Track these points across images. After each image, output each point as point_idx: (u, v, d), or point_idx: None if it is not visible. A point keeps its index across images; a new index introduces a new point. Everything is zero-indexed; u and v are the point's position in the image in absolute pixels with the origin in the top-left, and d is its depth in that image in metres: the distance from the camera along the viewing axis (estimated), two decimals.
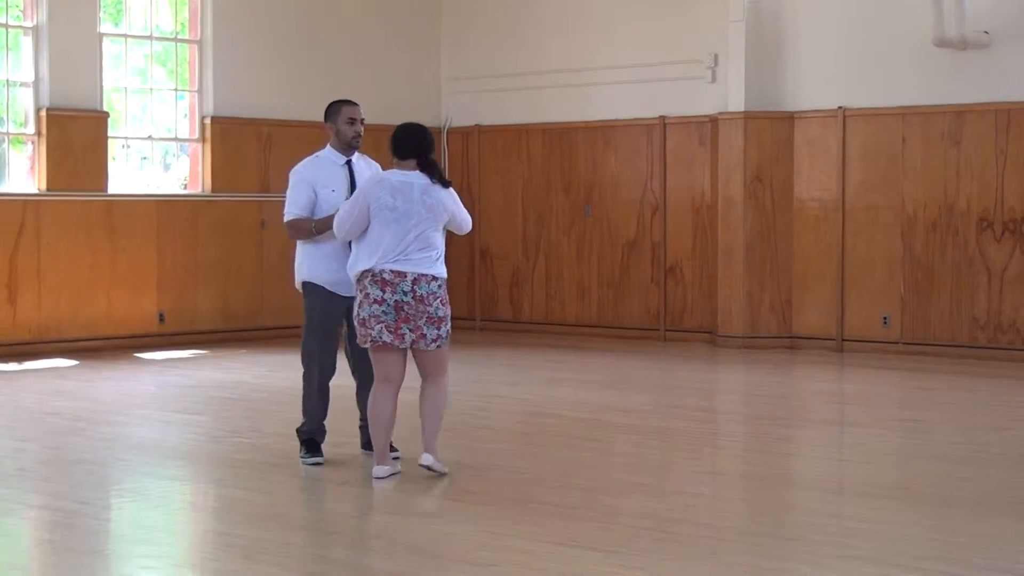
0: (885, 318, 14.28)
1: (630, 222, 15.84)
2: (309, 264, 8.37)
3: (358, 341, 7.91)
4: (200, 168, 15.32)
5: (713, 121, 15.13)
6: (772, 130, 14.76)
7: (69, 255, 14.15)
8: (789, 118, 14.78)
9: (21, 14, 14.21)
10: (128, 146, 15.04)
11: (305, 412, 8.47)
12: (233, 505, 7.56)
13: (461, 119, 17.03)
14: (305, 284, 8.39)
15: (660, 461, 9.09)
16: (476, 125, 16.79)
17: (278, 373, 12.72)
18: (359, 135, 8.43)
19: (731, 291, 14.89)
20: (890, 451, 9.32)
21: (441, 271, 7.88)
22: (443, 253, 7.94)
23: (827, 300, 14.63)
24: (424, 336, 7.80)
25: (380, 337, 7.76)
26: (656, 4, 15.64)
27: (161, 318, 14.83)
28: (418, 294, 7.77)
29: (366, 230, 7.82)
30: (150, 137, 15.16)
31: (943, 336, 13.98)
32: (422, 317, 7.78)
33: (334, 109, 8.56)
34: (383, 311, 7.74)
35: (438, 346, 7.85)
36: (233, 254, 15.39)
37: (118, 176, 14.74)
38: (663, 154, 15.58)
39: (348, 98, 8.74)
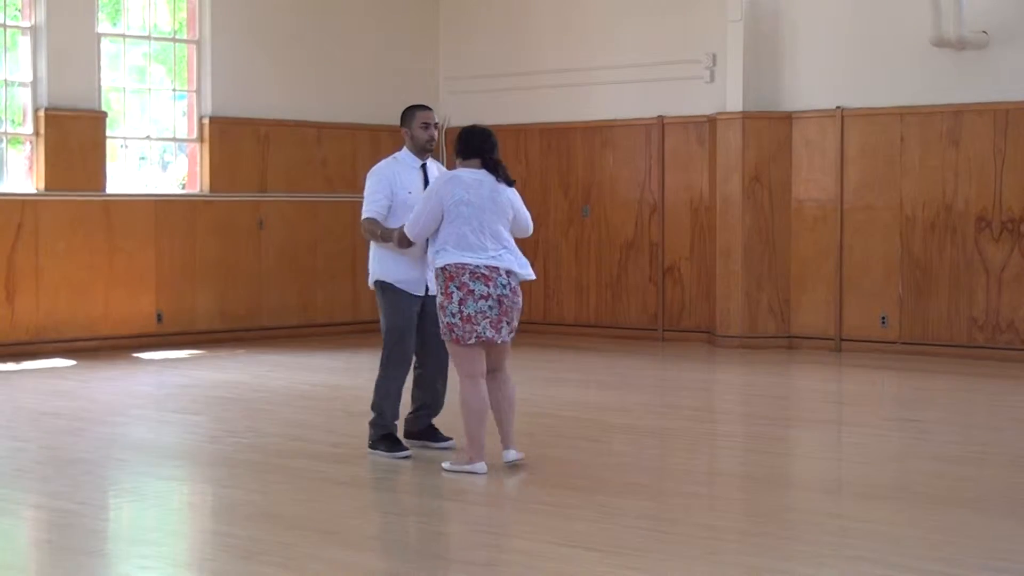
0: (883, 318, 14.28)
1: (628, 222, 15.84)
2: (382, 263, 8.58)
3: (461, 338, 7.99)
4: (198, 168, 15.31)
5: (711, 121, 15.13)
6: (770, 130, 14.76)
7: (67, 255, 14.15)
8: (787, 118, 14.78)
9: (19, 14, 14.20)
10: (126, 146, 15.03)
11: (388, 412, 8.58)
12: (231, 505, 7.56)
13: (459, 119, 16.99)
14: (378, 283, 8.62)
15: (658, 461, 9.08)
16: (475, 124, 16.76)
17: (276, 373, 12.72)
18: (433, 139, 8.66)
19: (729, 291, 14.89)
20: (888, 451, 9.32)
21: (525, 268, 8.12)
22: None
23: (825, 300, 14.63)
24: (514, 329, 8.11)
25: (484, 333, 7.96)
26: (654, 4, 15.63)
27: (159, 318, 14.82)
28: (512, 286, 8.03)
29: (439, 227, 8.01)
30: (148, 137, 15.16)
31: (941, 336, 13.98)
32: (514, 309, 8.06)
33: (409, 114, 8.77)
34: (488, 306, 7.95)
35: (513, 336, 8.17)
36: (231, 254, 15.39)
37: (116, 176, 14.73)
38: (661, 154, 15.58)
39: (423, 103, 8.95)
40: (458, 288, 7.93)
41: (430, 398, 8.78)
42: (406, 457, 8.48)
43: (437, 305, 8.06)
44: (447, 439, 8.75)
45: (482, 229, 7.96)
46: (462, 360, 8.05)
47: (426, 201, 8.04)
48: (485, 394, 8.07)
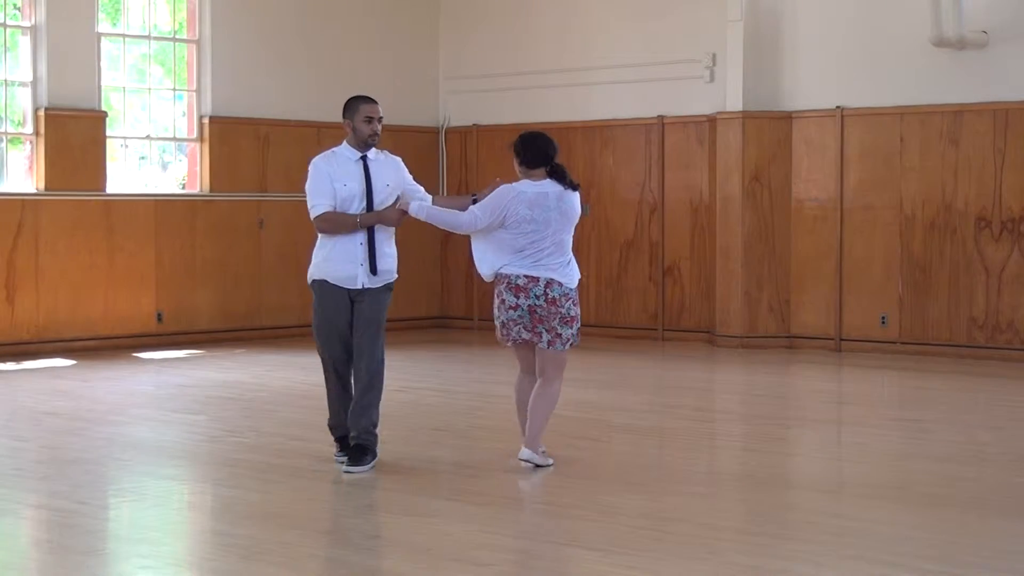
0: (883, 318, 14.28)
1: (628, 222, 15.84)
2: (320, 262, 8.34)
3: (499, 340, 8.30)
4: (198, 168, 15.31)
5: (711, 121, 15.13)
6: (770, 130, 14.76)
7: (67, 255, 14.15)
8: (787, 118, 14.78)
9: (19, 13, 14.20)
10: (126, 146, 15.03)
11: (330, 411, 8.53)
12: (231, 505, 7.56)
13: (459, 119, 17.03)
14: (314, 283, 8.39)
15: (658, 461, 9.08)
16: (474, 125, 16.78)
17: (276, 373, 12.72)
18: (376, 134, 8.40)
19: (729, 291, 14.89)
20: (888, 451, 9.31)
21: (570, 277, 8.21)
22: (572, 257, 8.30)
23: (825, 300, 14.63)
24: (559, 336, 8.18)
25: (520, 335, 8.20)
26: (654, 4, 15.63)
27: (159, 318, 14.82)
28: (550, 296, 8.14)
29: (491, 229, 8.15)
30: (148, 137, 15.16)
31: (941, 336, 13.98)
32: (555, 318, 8.15)
33: (352, 106, 8.48)
34: (518, 315, 8.16)
35: (572, 345, 8.25)
36: (231, 254, 15.39)
37: (116, 176, 14.73)
38: (661, 154, 15.58)
39: (367, 95, 8.65)
40: (497, 296, 8.24)
41: (345, 409, 8.45)
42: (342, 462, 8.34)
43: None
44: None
45: (542, 243, 8.09)
46: (516, 358, 8.45)
47: (487, 212, 8.11)
48: (524, 388, 8.39)
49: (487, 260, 8.20)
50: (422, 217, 8.30)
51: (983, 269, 13.75)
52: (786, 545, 6.63)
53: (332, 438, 8.52)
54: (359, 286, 8.27)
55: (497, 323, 8.29)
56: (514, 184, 8.20)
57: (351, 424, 8.32)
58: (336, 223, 8.25)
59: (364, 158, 8.38)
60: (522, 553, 6.41)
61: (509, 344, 8.30)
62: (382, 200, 8.32)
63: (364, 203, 8.28)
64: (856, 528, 6.87)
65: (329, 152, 8.48)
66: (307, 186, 8.35)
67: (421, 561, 6.36)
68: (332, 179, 8.30)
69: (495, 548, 6.52)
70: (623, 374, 13.00)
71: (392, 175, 8.44)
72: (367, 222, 8.24)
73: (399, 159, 8.57)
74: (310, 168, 8.42)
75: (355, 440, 8.28)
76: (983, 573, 6.12)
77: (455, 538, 6.79)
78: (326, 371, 8.52)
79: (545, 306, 8.11)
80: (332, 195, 8.26)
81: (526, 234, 8.07)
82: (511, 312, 8.15)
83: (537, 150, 8.17)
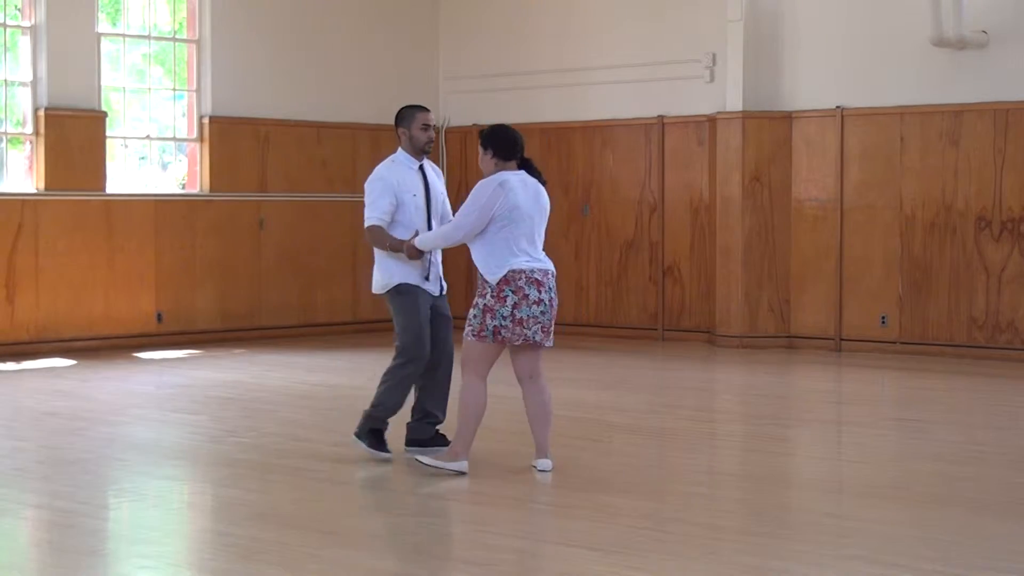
0: (883, 318, 14.28)
1: (628, 222, 15.84)
2: (396, 267, 8.44)
3: (508, 339, 7.92)
4: (198, 168, 15.31)
5: (711, 121, 15.13)
6: (770, 130, 14.76)
7: (67, 255, 14.15)
8: (787, 118, 14.78)
9: (19, 13, 14.20)
10: (126, 146, 15.03)
11: (390, 404, 8.50)
12: (231, 505, 7.56)
13: (459, 119, 17.03)
14: (401, 286, 8.46)
15: (658, 461, 9.08)
16: (474, 125, 16.78)
17: (276, 373, 12.72)
18: (431, 140, 8.52)
19: (729, 291, 14.89)
20: (888, 451, 9.32)
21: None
22: None
23: (825, 300, 14.63)
24: (551, 333, 8.06)
25: (534, 337, 7.93)
26: (654, 4, 15.63)
27: (159, 318, 14.82)
28: (555, 288, 8.05)
29: (487, 230, 7.88)
30: (148, 137, 15.16)
31: (941, 336, 13.98)
32: (554, 313, 8.06)
33: (408, 114, 8.60)
34: (541, 311, 7.93)
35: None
36: (231, 254, 15.39)
37: (116, 176, 14.73)
38: (661, 154, 15.58)
39: (421, 104, 8.82)
40: (514, 292, 7.86)
41: (437, 407, 8.66)
42: (386, 459, 8.39)
43: (480, 308, 7.91)
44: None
45: (531, 233, 7.93)
46: (481, 361, 7.97)
47: (475, 210, 7.86)
48: (486, 397, 8.05)
49: (493, 260, 7.89)
50: (426, 248, 8.25)
51: (983, 269, 13.75)
52: (786, 545, 6.63)
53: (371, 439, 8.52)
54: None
55: (507, 322, 7.86)
56: (492, 176, 7.95)
57: (442, 411, 8.59)
58: (375, 239, 8.41)
59: (421, 167, 8.54)
60: (522, 553, 6.40)
61: (519, 343, 7.93)
62: (436, 210, 8.50)
63: (426, 212, 8.44)
64: (856, 528, 6.87)
65: (389, 161, 8.56)
66: (368, 192, 8.42)
67: (421, 561, 6.36)
68: (399, 189, 8.40)
69: (495, 548, 6.52)
70: (623, 374, 13.00)
71: (441, 186, 8.59)
72: (394, 248, 8.34)
73: (439, 169, 8.70)
74: (374, 176, 8.49)
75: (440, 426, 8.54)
76: (983, 573, 6.12)
77: (455, 538, 6.78)
78: (414, 371, 8.48)
79: (554, 299, 8.03)
80: (389, 208, 8.36)
81: (516, 223, 7.84)
82: (534, 308, 7.87)
83: (511, 141, 7.98)
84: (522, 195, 7.89)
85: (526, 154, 8.11)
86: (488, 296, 7.90)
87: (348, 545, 6.61)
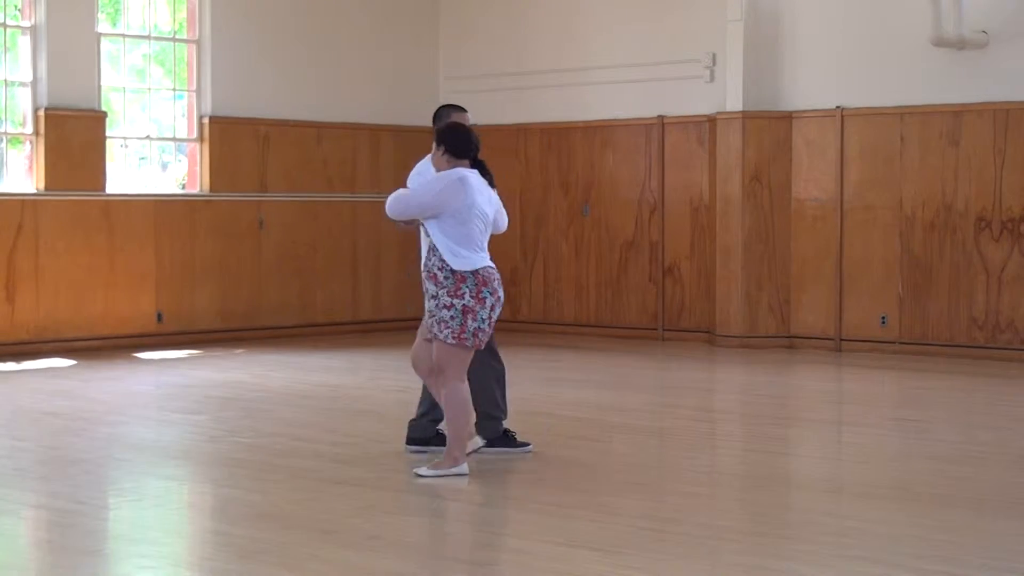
0: (883, 318, 14.28)
1: (628, 222, 15.84)
2: None
3: (483, 342, 7.89)
4: (198, 168, 15.31)
5: (711, 121, 15.13)
6: (770, 130, 14.76)
7: (67, 255, 14.15)
8: (787, 118, 14.78)
9: (19, 13, 14.20)
10: (126, 146, 15.03)
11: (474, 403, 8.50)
12: (231, 505, 7.55)
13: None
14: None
15: (658, 461, 9.08)
16: (474, 125, 16.75)
17: (276, 373, 12.72)
18: None
19: (729, 291, 14.89)
20: (888, 451, 9.32)
21: None
22: None
23: (825, 300, 14.63)
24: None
25: (486, 338, 7.92)
26: (654, 4, 15.63)
27: (159, 318, 14.82)
28: None
29: (454, 225, 7.77)
30: (148, 137, 15.16)
31: (941, 336, 13.98)
32: None
33: (444, 114, 8.68)
34: (498, 313, 7.93)
35: None
36: (231, 254, 15.39)
37: (116, 176, 14.73)
38: (661, 154, 15.58)
39: (457, 104, 8.78)
40: (491, 294, 7.82)
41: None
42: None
43: (458, 308, 7.77)
44: (525, 444, 8.71)
45: (485, 231, 7.90)
46: (461, 363, 7.90)
47: (435, 193, 7.77)
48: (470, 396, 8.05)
49: (461, 250, 7.76)
50: (389, 206, 8.03)
51: (983, 269, 13.75)
52: (786, 545, 6.63)
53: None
54: None
55: (484, 325, 7.78)
56: (454, 170, 7.87)
57: (504, 411, 8.63)
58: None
59: None
60: (522, 553, 6.40)
61: (481, 346, 7.88)
62: None
63: None
64: (856, 528, 6.87)
65: (428, 159, 8.49)
66: (411, 186, 8.37)
67: (421, 561, 6.36)
68: None
69: (495, 548, 6.52)
70: (623, 374, 13.00)
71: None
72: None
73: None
74: (416, 173, 8.49)
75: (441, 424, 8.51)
76: (983, 573, 6.12)
77: (455, 538, 6.78)
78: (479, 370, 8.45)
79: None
80: None
81: (475, 220, 7.77)
82: (500, 310, 7.90)
83: (463, 139, 7.96)
84: (480, 194, 7.86)
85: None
86: (467, 297, 7.78)
87: (348, 545, 6.61)
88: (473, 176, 7.91)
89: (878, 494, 7.71)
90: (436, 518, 7.30)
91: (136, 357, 13.84)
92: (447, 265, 7.78)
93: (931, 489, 7.90)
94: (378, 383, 11.93)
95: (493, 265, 7.93)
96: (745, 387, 12.57)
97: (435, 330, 7.85)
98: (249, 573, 6.10)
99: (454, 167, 7.92)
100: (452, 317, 7.78)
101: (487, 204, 7.90)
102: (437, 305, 7.82)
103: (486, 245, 7.93)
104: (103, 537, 6.97)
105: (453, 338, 7.80)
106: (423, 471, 7.97)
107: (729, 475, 8.65)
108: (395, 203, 7.91)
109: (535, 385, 11.95)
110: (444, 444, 8.45)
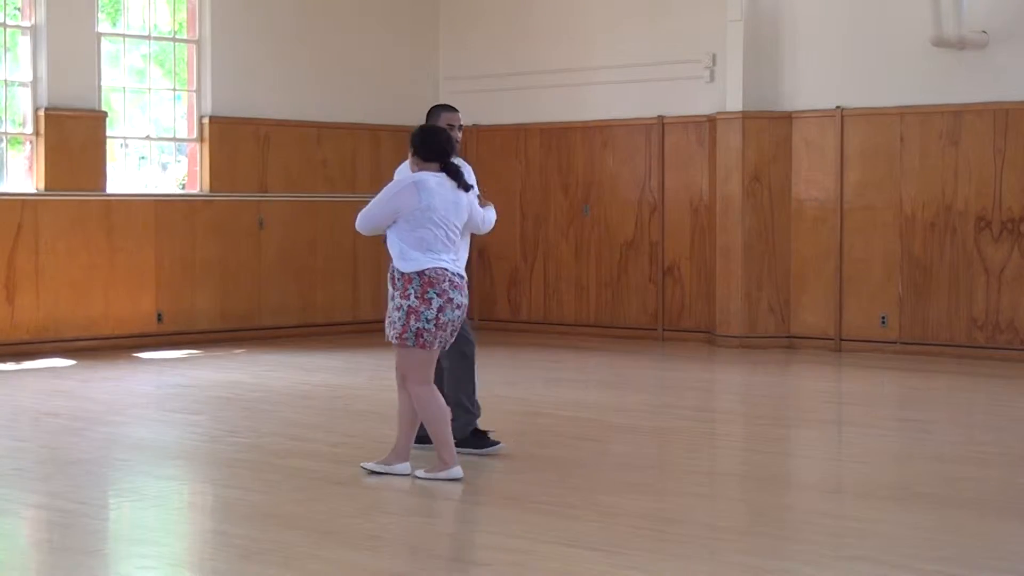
0: (883, 318, 14.28)
1: (628, 222, 15.84)
2: None
3: (430, 343, 7.82)
4: (198, 168, 15.31)
5: (711, 121, 15.13)
6: (770, 130, 14.76)
7: (67, 255, 14.15)
8: (787, 118, 14.78)
9: (19, 13, 14.20)
10: (126, 146, 15.03)
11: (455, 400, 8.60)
12: (231, 505, 7.55)
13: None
14: None
15: (658, 461, 9.08)
16: (474, 125, 16.77)
17: (276, 373, 12.72)
18: (457, 140, 8.45)
19: (729, 291, 14.89)
20: (889, 451, 9.32)
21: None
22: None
23: (825, 300, 14.63)
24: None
25: (448, 341, 7.91)
26: (654, 4, 15.63)
27: (159, 318, 14.82)
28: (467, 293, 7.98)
29: (408, 229, 7.77)
30: (148, 137, 15.16)
31: (941, 336, 13.97)
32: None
33: (434, 114, 8.72)
34: (458, 316, 7.87)
35: None
36: (231, 254, 15.39)
37: (116, 176, 14.73)
38: (661, 154, 15.58)
39: (448, 104, 8.81)
40: (438, 295, 7.76)
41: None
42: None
43: (404, 309, 7.76)
44: (495, 443, 8.70)
45: (448, 235, 7.83)
46: (421, 366, 7.86)
47: (386, 201, 7.83)
48: (441, 397, 7.99)
49: (411, 254, 7.75)
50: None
51: (983, 269, 13.75)
52: (786, 545, 6.63)
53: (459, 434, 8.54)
54: None
55: (430, 325, 7.72)
56: (409, 175, 7.93)
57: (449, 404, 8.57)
58: None
59: None
60: (522, 553, 6.40)
61: (436, 347, 7.84)
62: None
63: None
64: (856, 528, 6.87)
65: (406, 163, 8.51)
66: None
67: (421, 561, 6.36)
68: None
69: (495, 548, 6.52)
70: (623, 374, 13.00)
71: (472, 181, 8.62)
72: None
73: (469, 167, 8.64)
74: (397, 174, 8.46)
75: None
76: (983, 573, 6.12)
77: (455, 538, 6.78)
78: (471, 369, 8.63)
79: (466, 305, 7.97)
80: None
81: (434, 223, 7.74)
82: (456, 312, 7.82)
83: (432, 143, 7.93)
84: (439, 197, 7.80)
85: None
86: (412, 297, 7.77)
87: (348, 545, 6.61)
88: (433, 179, 7.86)
89: (878, 494, 7.71)
90: (436, 518, 7.30)
91: (136, 357, 13.84)
92: (396, 268, 7.85)
93: (931, 489, 7.90)
94: (378, 383, 11.92)
95: (453, 268, 7.84)
96: (745, 387, 12.57)
97: (386, 332, 7.92)
98: (249, 573, 6.10)
99: (422, 170, 7.91)
100: (398, 318, 7.82)
101: (449, 207, 7.84)
102: (392, 307, 7.88)
103: (451, 248, 7.85)
104: (103, 537, 6.97)
105: (395, 338, 7.83)
106: (420, 473, 7.98)
107: (729, 475, 8.65)
108: (361, 220, 7.97)
109: (535, 385, 11.95)
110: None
